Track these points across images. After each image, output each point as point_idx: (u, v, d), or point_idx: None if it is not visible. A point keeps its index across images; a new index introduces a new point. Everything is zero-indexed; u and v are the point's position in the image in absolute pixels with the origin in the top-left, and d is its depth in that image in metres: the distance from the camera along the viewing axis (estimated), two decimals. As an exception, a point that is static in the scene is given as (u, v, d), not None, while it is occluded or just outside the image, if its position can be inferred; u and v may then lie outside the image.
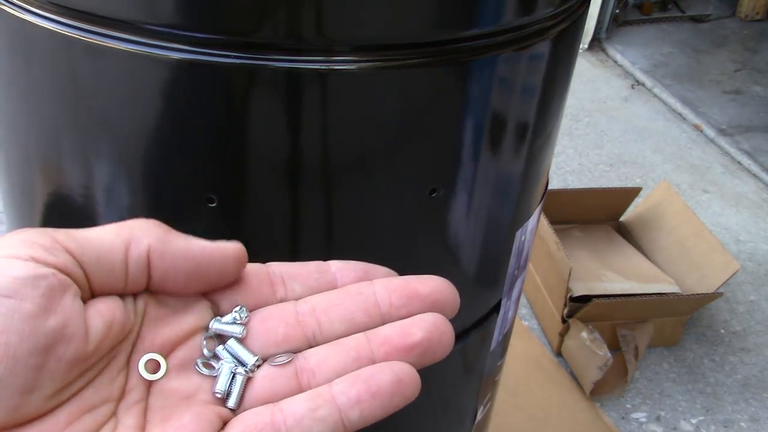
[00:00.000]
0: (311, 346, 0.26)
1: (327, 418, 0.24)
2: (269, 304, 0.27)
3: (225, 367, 0.26)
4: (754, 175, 2.25)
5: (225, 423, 0.25)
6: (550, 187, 0.73)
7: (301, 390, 0.25)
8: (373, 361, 0.25)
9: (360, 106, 0.40)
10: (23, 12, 0.39)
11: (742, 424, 1.45)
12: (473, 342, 0.60)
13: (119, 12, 0.36)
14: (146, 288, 0.25)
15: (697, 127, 2.49)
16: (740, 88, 2.76)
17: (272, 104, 0.39)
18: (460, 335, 0.58)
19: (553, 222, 1.55)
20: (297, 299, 0.27)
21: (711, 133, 2.45)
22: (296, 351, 0.26)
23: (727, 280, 1.51)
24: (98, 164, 0.43)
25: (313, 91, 0.38)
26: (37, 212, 0.50)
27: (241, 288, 0.27)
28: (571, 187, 2.08)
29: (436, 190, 0.45)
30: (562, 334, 1.51)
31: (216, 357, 0.26)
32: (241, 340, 0.26)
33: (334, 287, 0.28)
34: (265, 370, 0.26)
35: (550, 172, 0.69)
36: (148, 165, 0.42)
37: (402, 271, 0.29)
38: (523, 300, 1.67)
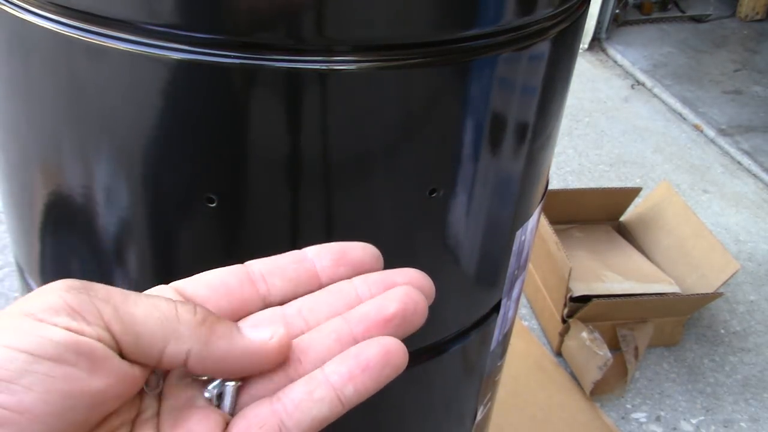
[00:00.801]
0: None
1: (324, 398, 0.25)
2: (252, 303, 0.28)
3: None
4: (754, 175, 2.25)
5: (227, 424, 0.25)
6: (550, 187, 0.73)
7: (292, 380, 0.26)
8: (355, 340, 0.26)
9: (360, 106, 0.40)
10: (23, 12, 0.39)
11: (742, 424, 1.45)
12: (473, 342, 0.60)
13: (119, 12, 0.36)
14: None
15: (697, 127, 2.49)
16: (740, 88, 2.76)
17: (272, 104, 0.39)
18: (460, 335, 0.58)
19: (553, 222, 1.55)
20: (280, 295, 0.28)
21: (711, 133, 2.45)
22: None
23: (727, 280, 1.51)
24: (98, 164, 0.43)
25: (313, 91, 0.38)
26: (37, 212, 0.50)
27: (223, 291, 0.28)
28: (571, 187, 2.08)
29: (436, 190, 0.45)
30: (562, 334, 1.51)
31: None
32: None
33: (313, 275, 0.28)
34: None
35: (550, 172, 0.69)
36: (148, 165, 0.42)
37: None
38: (523, 300, 1.67)
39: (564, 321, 1.50)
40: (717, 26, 3.27)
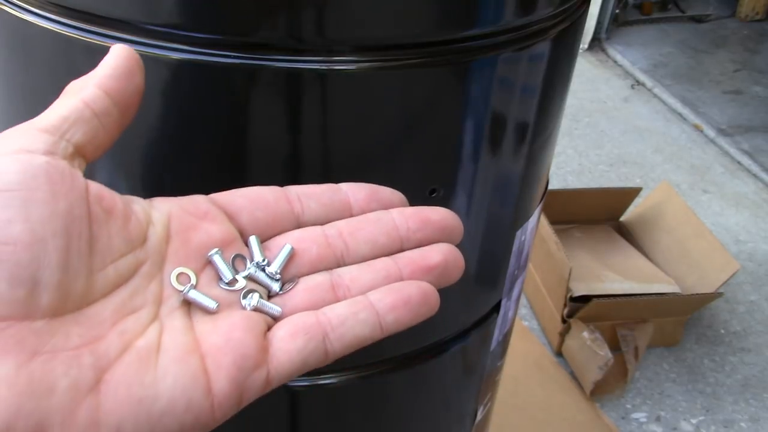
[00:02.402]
0: (340, 266, 0.29)
1: (368, 320, 0.27)
2: (287, 220, 0.30)
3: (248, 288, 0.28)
4: (754, 175, 2.25)
5: (270, 327, 0.27)
6: (550, 187, 0.73)
7: (338, 301, 0.28)
8: (401, 279, 0.28)
9: (360, 106, 0.40)
10: (23, 12, 0.39)
11: (742, 424, 1.45)
12: (473, 342, 0.60)
13: (119, 12, 0.36)
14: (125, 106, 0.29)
15: (697, 127, 2.49)
16: (740, 88, 2.76)
17: (272, 104, 0.39)
18: (460, 335, 0.58)
19: (553, 222, 1.55)
20: (313, 217, 0.30)
21: (711, 133, 2.45)
22: (328, 269, 0.29)
23: (727, 280, 1.51)
24: (98, 164, 0.43)
25: (313, 91, 0.38)
26: (37, 212, 0.50)
27: (259, 203, 0.29)
28: (571, 187, 2.08)
29: (436, 190, 0.45)
30: (563, 334, 1.51)
31: (235, 280, 0.28)
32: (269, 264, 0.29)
33: (347, 205, 0.30)
34: (303, 284, 0.28)
35: (550, 172, 0.69)
36: (148, 165, 0.42)
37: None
38: (523, 300, 1.67)
39: (564, 321, 1.50)
40: (717, 26, 3.28)
